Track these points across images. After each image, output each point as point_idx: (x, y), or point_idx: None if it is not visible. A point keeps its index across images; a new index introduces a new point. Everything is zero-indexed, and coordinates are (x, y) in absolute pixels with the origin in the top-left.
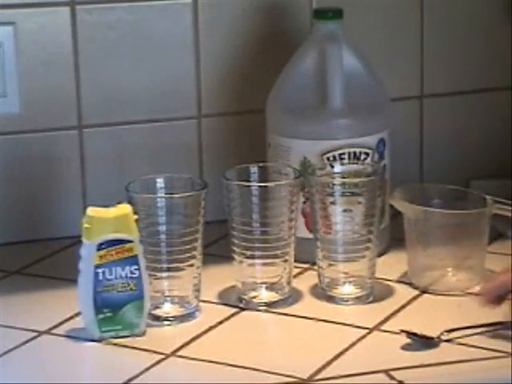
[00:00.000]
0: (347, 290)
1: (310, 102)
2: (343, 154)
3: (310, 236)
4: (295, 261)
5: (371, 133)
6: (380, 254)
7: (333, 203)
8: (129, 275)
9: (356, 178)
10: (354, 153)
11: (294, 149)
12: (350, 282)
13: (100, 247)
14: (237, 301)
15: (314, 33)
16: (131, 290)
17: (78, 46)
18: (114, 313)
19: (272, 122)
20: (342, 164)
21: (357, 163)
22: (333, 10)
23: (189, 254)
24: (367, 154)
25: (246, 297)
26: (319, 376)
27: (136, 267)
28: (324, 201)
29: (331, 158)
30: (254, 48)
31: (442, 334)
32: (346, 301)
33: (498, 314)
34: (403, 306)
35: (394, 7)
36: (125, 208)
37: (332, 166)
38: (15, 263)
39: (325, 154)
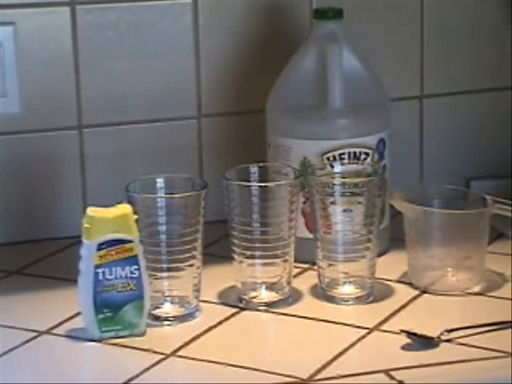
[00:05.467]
0: (347, 289)
1: (309, 102)
2: (343, 154)
3: (310, 236)
4: (295, 261)
5: (371, 133)
6: (380, 254)
7: (333, 203)
8: (129, 275)
9: (356, 178)
10: (354, 153)
11: (294, 149)
12: (350, 282)
13: (100, 247)
14: (237, 301)
15: (314, 33)
16: (131, 290)
17: (78, 46)
18: (114, 313)
19: (272, 122)
20: (342, 164)
21: (357, 163)
22: (333, 9)
23: (189, 254)
24: (367, 154)
25: (245, 297)
26: (319, 376)
27: (136, 267)
28: (324, 201)
29: (331, 158)
30: (254, 48)
31: (441, 333)
32: (346, 301)
33: (498, 314)
34: (403, 306)
35: (393, 7)
36: (125, 208)
37: (332, 166)
38: (15, 263)
39: (325, 154)
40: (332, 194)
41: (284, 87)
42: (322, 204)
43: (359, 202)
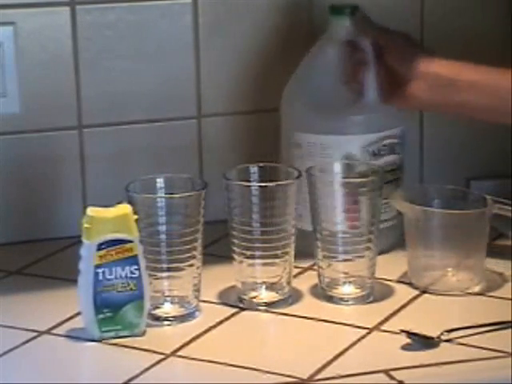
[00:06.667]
0: (347, 290)
1: (338, 98)
2: (383, 146)
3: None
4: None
5: (397, 124)
6: (387, 251)
7: (333, 203)
8: (129, 275)
9: (356, 177)
10: (390, 144)
11: (334, 145)
12: (350, 282)
13: (100, 247)
14: (237, 301)
15: (331, 29)
16: (131, 289)
17: (78, 46)
18: (114, 313)
19: (302, 121)
20: (381, 156)
21: (393, 154)
22: (349, 6)
23: (189, 254)
24: (397, 145)
25: (245, 297)
26: (319, 376)
27: (136, 267)
28: (325, 200)
29: (373, 151)
30: (254, 48)
31: (442, 334)
32: (346, 301)
33: (498, 314)
34: (403, 306)
35: (393, 7)
36: (125, 208)
37: (373, 160)
38: (15, 263)
39: (366, 147)
40: (332, 194)
41: (306, 85)
42: (323, 204)
43: (359, 202)
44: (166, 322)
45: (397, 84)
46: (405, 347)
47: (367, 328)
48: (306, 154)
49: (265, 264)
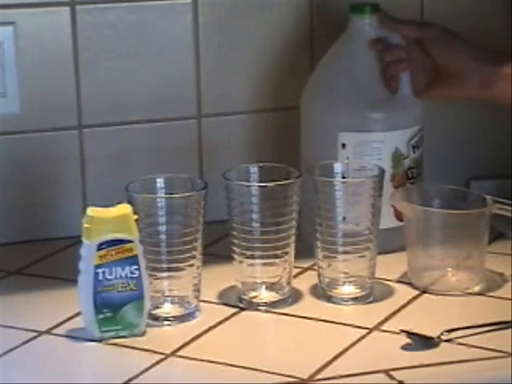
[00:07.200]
0: (347, 289)
1: (375, 95)
2: (419, 139)
3: (398, 224)
4: (381, 253)
5: (421, 118)
6: (394, 251)
7: (332, 203)
8: (129, 275)
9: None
10: (421, 136)
11: (386, 142)
12: (350, 282)
13: (100, 247)
14: (237, 301)
15: (352, 27)
16: (131, 290)
17: (78, 45)
18: (114, 313)
19: (349, 120)
20: (418, 149)
21: (422, 147)
22: (370, 4)
23: (189, 254)
24: (423, 138)
25: (245, 297)
26: (319, 376)
27: (136, 267)
28: (324, 200)
29: (412, 145)
30: (254, 48)
31: (442, 334)
32: (346, 301)
33: (497, 313)
34: (403, 306)
35: (393, 9)
36: (125, 208)
37: (414, 153)
38: (15, 263)
39: (410, 140)
40: (332, 194)
41: (335, 84)
42: (324, 203)
43: (359, 202)
44: (166, 322)
45: (441, 76)
46: (405, 347)
47: (367, 328)
48: (353, 154)
49: (265, 264)
